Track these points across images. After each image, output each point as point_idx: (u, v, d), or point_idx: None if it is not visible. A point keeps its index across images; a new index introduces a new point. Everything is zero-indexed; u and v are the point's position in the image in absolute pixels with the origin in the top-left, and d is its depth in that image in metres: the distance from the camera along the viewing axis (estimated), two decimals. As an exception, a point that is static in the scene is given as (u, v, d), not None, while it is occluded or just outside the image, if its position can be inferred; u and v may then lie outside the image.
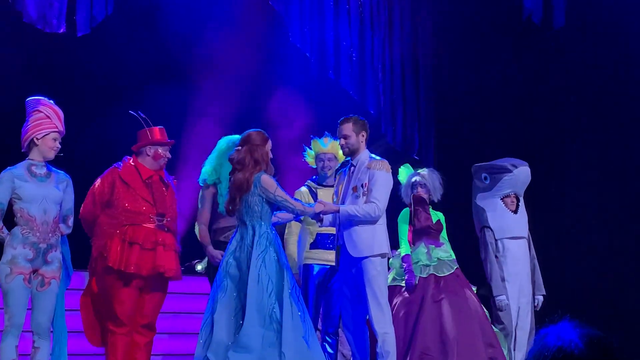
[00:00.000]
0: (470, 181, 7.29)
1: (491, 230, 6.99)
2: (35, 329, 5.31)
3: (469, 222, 7.29)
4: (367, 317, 5.76)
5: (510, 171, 7.03)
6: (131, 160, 6.04)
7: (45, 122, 5.36)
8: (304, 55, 10.06)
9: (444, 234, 6.94)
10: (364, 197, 5.71)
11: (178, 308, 8.24)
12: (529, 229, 7.13)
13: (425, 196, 6.90)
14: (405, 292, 6.59)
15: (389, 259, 6.11)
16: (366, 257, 5.67)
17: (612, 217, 9.77)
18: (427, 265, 6.66)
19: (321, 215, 5.68)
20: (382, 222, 5.79)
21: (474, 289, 6.84)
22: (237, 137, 5.79)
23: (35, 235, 5.24)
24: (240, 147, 5.40)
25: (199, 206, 6.31)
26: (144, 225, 5.84)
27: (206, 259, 6.54)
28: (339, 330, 6.52)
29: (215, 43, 9.65)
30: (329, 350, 6.41)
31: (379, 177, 5.73)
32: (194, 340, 5.42)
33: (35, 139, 5.33)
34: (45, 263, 5.28)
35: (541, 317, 6.87)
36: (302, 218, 6.18)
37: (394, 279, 6.72)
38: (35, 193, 5.27)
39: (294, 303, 5.10)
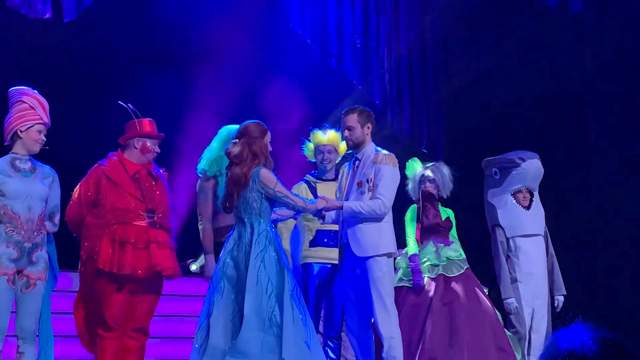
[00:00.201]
0: (483, 175, 7.31)
1: (502, 228, 7.00)
2: (20, 333, 5.31)
3: (480, 219, 7.29)
4: (372, 320, 5.76)
5: (518, 165, 7.03)
6: (116, 156, 6.05)
7: (30, 114, 5.35)
8: (304, 42, 10.05)
9: (453, 232, 6.94)
10: (370, 193, 5.71)
11: (172, 311, 8.24)
12: (547, 225, 7.14)
13: (434, 192, 6.89)
14: (413, 294, 6.59)
15: (395, 258, 6.10)
16: (371, 257, 5.66)
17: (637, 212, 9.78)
18: (436, 265, 6.66)
19: (323, 212, 5.67)
20: (389, 219, 5.78)
21: (486, 290, 6.83)
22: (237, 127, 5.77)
23: (19, 233, 5.23)
24: (237, 140, 5.37)
25: (199, 199, 6.25)
26: (135, 223, 5.85)
27: (202, 258, 6.53)
28: (342, 334, 6.53)
29: (210, 29, 9.65)
30: (332, 355, 6.40)
31: (385, 171, 5.72)
32: (189, 345, 5.42)
33: (19, 132, 5.31)
34: (30, 263, 5.28)
35: (556, 319, 6.89)
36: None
37: (400, 280, 6.71)
38: (19, 189, 5.26)
39: (295, 305, 5.08)
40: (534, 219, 7.06)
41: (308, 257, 6.48)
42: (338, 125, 6.50)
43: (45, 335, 5.53)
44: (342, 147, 6.61)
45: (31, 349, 5.34)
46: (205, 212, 6.20)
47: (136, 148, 6.02)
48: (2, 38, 8.50)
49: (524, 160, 7.06)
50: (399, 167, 5.91)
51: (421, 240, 6.84)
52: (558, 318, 6.86)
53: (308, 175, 6.71)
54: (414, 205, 6.94)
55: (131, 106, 6.01)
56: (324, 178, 6.64)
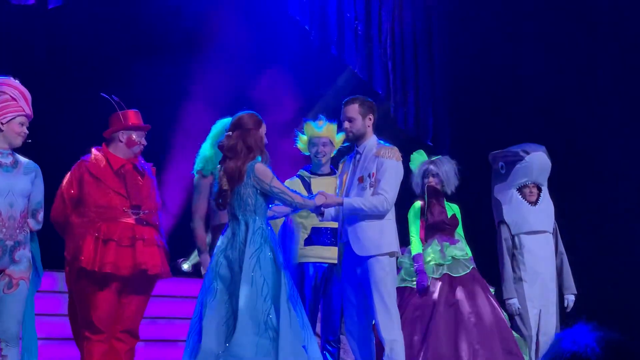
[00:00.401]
0: (491, 169, 7.34)
1: (506, 225, 7.03)
2: (2, 335, 5.30)
3: (488, 215, 7.32)
4: (373, 322, 5.78)
5: (522, 158, 7.06)
6: (101, 151, 6.05)
7: (11, 105, 5.35)
8: (302, 28, 10.06)
9: (459, 229, 6.96)
10: (371, 189, 5.71)
11: (162, 312, 8.27)
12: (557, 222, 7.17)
13: (438, 187, 6.92)
14: (416, 295, 6.61)
15: (398, 257, 6.12)
16: (373, 256, 5.67)
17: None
18: (441, 265, 6.68)
19: (322, 208, 5.66)
20: (391, 216, 5.78)
21: (492, 290, 6.86)
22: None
23: (0, 231, 5.24)
24: (230, 133, 5.37)
25: (195, 197, 6.26)
26: (120, 220, 5.87)
27: (193, 256, 6.56)
28: (341, 337, 6.55)
29: (202, 15, 9.66)
30: (330, 360, 6.45)
31: (388, 166, 5.73)
32: (180, 349, 5.45)
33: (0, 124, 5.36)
34: (12, 262, 5.28)
35: (565, 320, 6.92)
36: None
37: (403, 280, 6.73)
38: (1, 184, 5.26)
39: (292, 308, 5.08)
40: (541, 215, 7.08)
41: (303, 256, 6.48)
42: (334, 116, 6.51)
43: (29, 337, 5.53)
44: (338, 139, 6.61)
45: (14, 352, 5.33)
46: (198, 211, 6.21)
47: (121, 141, 6.03)
48: (-17, 25, 8.53)
49: (527, 153, 7.08)
50: (403, 161, 5.89)
51: (425, 238, 6.85)
52: (570, 319, 6.89)
53: (302, 170, 6.70)
54: (418, 202, 6.96)
55: (115, 97, 6.02)
56: (318, 173, 6.63)
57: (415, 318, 6.48)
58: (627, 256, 9.76)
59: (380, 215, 5.70)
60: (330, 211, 5.82)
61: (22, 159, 5.45)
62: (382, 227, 5.71)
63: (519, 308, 6.84)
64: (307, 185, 6.52)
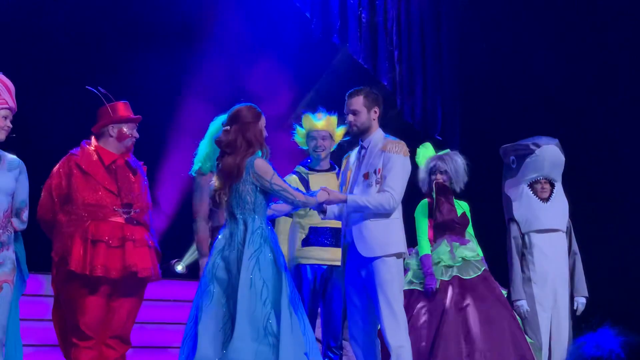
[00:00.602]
0: (502, 164, 7.33)
1: (516, 222, 7.04)
2: (-15, 341, 5.34)
3: (499, 214, 7.32)
4: (379, 328, 5.77)
5: (532, 151, 7.05)
6: (91, 144, 6.04)
7: (-7, 97, 5.38)
8: (303, 15, 10.06)
9: (469, 229, 6.95)
10: (377, 186, 5.70)
11: (155, 317, 8.29)
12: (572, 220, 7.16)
13: (446, 184, 6.90)
14: (424, 299, 6.61)
15: (405, 259, 6.11)
16: (379, 257, 5.66)
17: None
18: (450, 267, 6.68)
19: (325, 205, 5.65)
20: (398, 215, 5.77)
21: (505, 293, 6.85)
22: None
23: (-18, 231, 5.27)
24: (228, 127, 5.34)
25: (195, 197, 6.23)
26: (109, 219, 5.86)
27: (187, 257, 6.55)
28: (344, 343, 6.55)
29: (198, 3, 9.68)
30: (332, 367, 6.44)
31: (395, 161, 5.71)
32: (172, 356, 5.46)
33: (-19, 118, 5.34)
34: (-5, 264, 5.31)
35: (580, 323, 6.92)
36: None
37: (410, 283, 6.72)
38: (-17, 181, 5.29)
39: (293, 312, 5.06)
40: (554, 212, 7.08)
41: (300, 258, 6.48)
42: (335, 109, 6.50)
43: (13, 343, 5.53)
44: (338, 133, 6.60)
45: (-3, 358, 5.36)
46: (200, 211, 6.17)
47: (112, 136, 6.02)
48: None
49: (538, 145, 7.07)
50: (410, 156, 5.87)
51: (434, 238, 6.85)
52: (582, 323, 6.89)
53: (299, 166, 6.69)
54: (425, 200, 6.95)
55: (102, 90, 6.01)
56: (317, 168, 6.62)
57: (423, 323, 6.48)
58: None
59: (386, 214, 5.69)
60: (332, 209, 5.80)
61: (6, 154, 5.45)
62: (388, 226, 5.69)
63: (527, 310, 6.84)
64: (305, 182, 6.51)
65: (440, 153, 7.07)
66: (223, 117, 5.69)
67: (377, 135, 5.87)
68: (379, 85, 9.84)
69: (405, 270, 6.58)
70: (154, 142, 8.51)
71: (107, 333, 5.90)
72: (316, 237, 6.48)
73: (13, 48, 8.65)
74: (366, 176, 5.78)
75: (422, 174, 7.00)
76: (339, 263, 6.33)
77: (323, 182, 6.29)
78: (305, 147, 6.72)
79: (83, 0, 9.11)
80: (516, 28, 10.43)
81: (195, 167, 6.21)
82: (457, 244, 6.77)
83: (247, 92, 8.77)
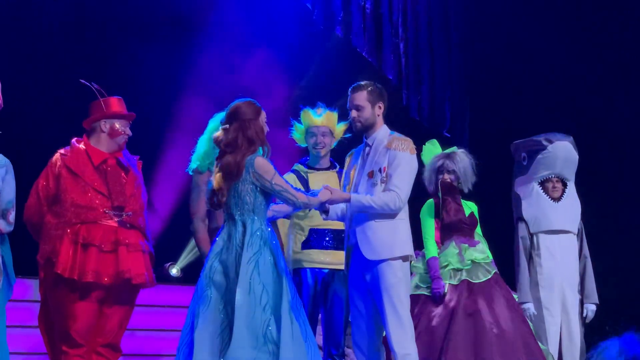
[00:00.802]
0: (511, 163, 7.34)
1: (524, 222, 7.05)
2: (-30, 349, 5.35)
3: (509, 215, 7.32)
4: (384, 334, 5.76)
5: (545, 147, 7.05)
6: (81, 143, 6.04)
7: (-22, 93, 5.39)
8: (304, 6, 10.07)
9: (478, 229, 6.94)
10: (382, 185, 5.69)
11: (149, 324, 8.30)
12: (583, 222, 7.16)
13: (454, 183, 6.91)
14: (432, 303, 6.59)
15: (411, 262, 6.11)
16: (384, 260, 5.65)
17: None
18: (459, 270, 6.67)
19: (327, 205, 5.65)
20: (404, 215, 5.76)
21: (516, 297, 6.86)
22: None
23: (-33, 234, 5.27)
24: (227, 125, 5.33)
25: (192, 197, 6.21)
26: (101, 222, 5.87)
27: (182, 260, 6.54)
28: (347, 350, 6.55)
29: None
30: (334, 376, 6.42)
31: (401, 159, 5.71)
32: (168, 364, 5.47)
33: (-34, 114, 5.36)
34: (-20, 268, 5.32)
35: (594, 328, 6.93)
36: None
37: (417, 287, 6.70)
38: (-33, 182, 5.30)
39: (294, 319, 5.06)
40: (565, 213, 7.08)
41: (299, 261, 6.47)
42: (337, 105, 6.50)
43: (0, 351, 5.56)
44: (339, 130, 6.60)
45: (-17, 367, 5.37)
46: (198, 212, 6.15)
47: (104, 132, 6.03)
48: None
49: (551, 142, 7.06)
50: (416, 154, 5.86)
51: (441, 240, 6.84)
52: (595, 333, 6.90)
53: (297, 164, 6.68)
54: (432, 200, 6.93)
55: (95, 84, 6.02)
56: (316, 167, 6.62)
57: (430, 329, 6.46)
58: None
59: (392, 215, 5.68)
60: (335, 209, 5.81)
61: (-9, 152, 5.46)
62: (394, 227, 5.69)
63: (534, 314, 6.85)
64: (304, 181, 6.50)
65: (448, 151, 7.06)
66: (222, 115, 5.68)
67: (382, 132, 5.87)
68: (384, 79, 9.85)
69: (412, 274, 6.57)
70: (149, 140, 8.51)
71: (98, 340, 5.90)
72: (316, 239, 6.47)
73: (0, 42, 8.67)
74: (371, 175, 5.77)
75: (429, 172, 6.99)
76: (340, 267, 6.33)
77: (323, 181, 6.29)
78: (303, 145, 6.71)
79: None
80: (529, 19, 10.43)
81: (193, 165, 6.19)
82: (466, 245, 6.76)
83: (244, 86, 8.78)
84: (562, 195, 7.14)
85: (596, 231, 7.38)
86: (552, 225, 7.03)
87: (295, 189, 5.38)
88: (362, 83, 5.94)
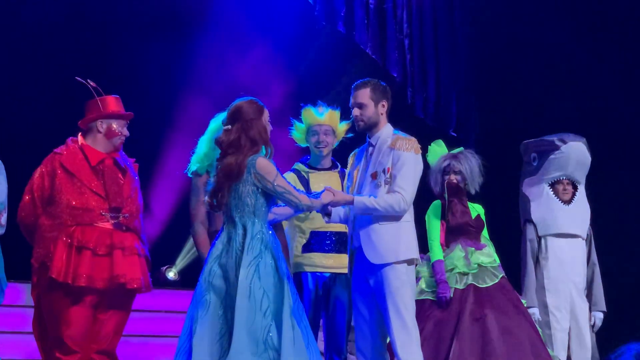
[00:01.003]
0: (520, 164, 7.34)
1: (533, 224, 7.05)
2: (-38, 355, 5.36)
3: (516, 218, 7.33)
4: (389, 340, 5.77)
5: (558, 147, 7.05)
6: (77, 142, 6.04)
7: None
8: (305, 2, 10.07)
9: (485, 232, 6.95)
10: (386, 186, 5.70)
11: (145, 330, 8.31)
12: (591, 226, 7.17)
13: (460, 185, 6.92)
14: (437, 309, 6.60)
15: (416, 265, 6.11)
16: (388, 264, 5.66)
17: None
18: (465, 274, 6.67)
19: (329, 207, 5.65)
20: (409, 218, 5.78)
21: (524, 302, 6.86)
22: None
23: (-43, 236, 5.29)
24: (229, 126, 5.34)
25: (192, 199, 6.21)
26: (96, 224, 5.88)
27: (179, 263, 6.54)
28: (350, 357, 6.56)
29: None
30: (337, 383, 6.42)
31: (405, 159, 5.72)
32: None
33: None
34: (-29, 272, 5.33)
35: (605, 334, 6.93)
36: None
37: (422, 292, 6.70)
38: (-42, 182, 5.31)
39: (296, 325, 5.05)
40: (575, 217, 7.08)
41: (300, 265, 6.47)
42: (339, 104, 6.52)
43: (-9, 357, 5.58)
44: (341, 129, 6.60)
45: (-27, 374, 5.38)
46: (198, 215, 6.15)
47: (100, 132, 6.04)
48: None
49: (564, 142, 7.06)
50: (422, 154, 5.87)
51: (447, 243, 6.85)
52: (606, 341, 6.90)
53: (298, 163, 6.69)
54: (438, 201, 6.95)
55: (91, 82, 6.03)
56: (318, 167, 6.62)
57: (436, 335, 6.46)
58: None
59: (396, 217, 5.69)
60: (338, 211, 5.82)
61: (-17, 152, 5.48)
62: (399, 230, 5.70)
63: (539, 320, 6.86)
64: (305, 181, 6.51)
65: (454, 151, 7.06)
66: (223, 115, 5.67)
67: (386, 131, 5.88)
68: (388, 77, 9.85)
69: (417, 279, 6.57)
70: (146, 140, 8.52)
71: (93, 347, 5.89)
72: (318, 242, 6.48)
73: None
74: (374, 176, 5.78)
75: (434, 173, 7.00)
76: (342, 270, 6.34)
77: (324, 181, 6.32)
78: (303, 144, 6.72)
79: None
80: (538, 14, 10.43)
81: (192, 167, 6.20)
82: (473, 249, 6.76)
83: (244, 84, 8.78)
84: (572, 198, 7.14)
85: (605, 236, 7.37)
86: (561, 229, 7.04)
87: (298, 191, 5.37)
88: (365, 80, 5.94)
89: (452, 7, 10.76)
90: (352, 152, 6.15)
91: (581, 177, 7.20)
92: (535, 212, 7.08)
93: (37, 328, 6.01)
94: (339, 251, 6.44)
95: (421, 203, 6.40)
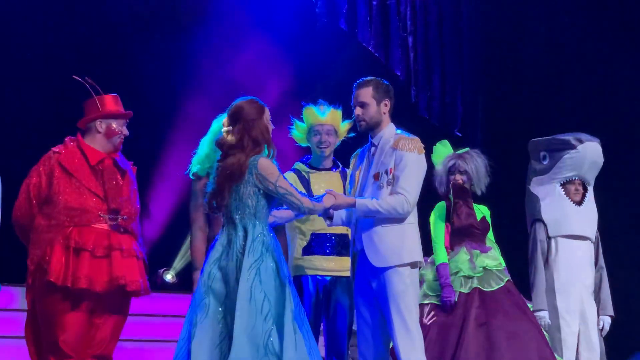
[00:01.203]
0: (527, 165, 7.34)
1: (543, 224, 7.04)
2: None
3: (522, 219, 7.33)
4: (392, 345, 5.78)
5: (574, 147, 7.03)
6: (76, 142, 6.04)
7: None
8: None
9: (490, 235, 6.96)
10: (389, 187, 5.71)
11: (143, 334, 8.32)
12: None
13: (466, 185, 6.94)
14: (441, 313, 6.61)
15: (420, 268, 6.10)
16: (392, 267, 5.67)
17: None
18: (470, 277, 6.68)
19: (331, 210, 5.66)
20: (413, 220, 5.78)
21: (530, 306, 6.84)
22: None
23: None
24: (230, 127, 5.35)
25: (192, 203, 6.23)
26: (94, 226, 5.89)
27: (176, 264, 6.55)
28: (351, 360, 6.59)
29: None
30: (338, 389, 6.42)
31: (408, 160, 5.72)
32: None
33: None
34: (-36, 275, 5.35)
35: (612, 339, 6.95)
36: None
37: (426, 296, 6.71)
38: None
39: (298, 329, 5.06)
40: (586, 218, 7.08)
41: (300, 267, 6.47)
42: (340, 103, 6.54)
43: (-17, 363, 5.59)
44: (342, 129, 6.62)
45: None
46: (197, 220, 6.17)
47: (99, 132, 6.04)
48: None
49: (581, 142, 7.04)
50: (426, 154, 5.87)
51: (451, 246, 6.86)
52: (613, 346, 6.90)
53: (299, 163, 6.69)
54: (442, 203, 6.96)
55: (89, 80, 6.05)
56: (319, 167, 6.63)
57: (440, 340, 6.47)
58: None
59: (400, 219, 5.70)
60: (340, 214, 5.82)
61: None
62: (402, 232, 5.71)
63: (548, 324, 6.87)
64: (306, 182, 6.52)
65: (460, 151, 7.07)
66: (224, 116, 5.66)
67: (389, 131, 5.89)
68: (391, 75, 9.86)
69: (421, 282, 6.58)
70: (144, 140, 8.53)
71: (88, 352, 5.89)
72: (318, 244, 6.48)
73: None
74: (376, 177, 5.79)
75: (439, 173, 7.00)
76: (343, 273, 6.36)
77: (325, 182, 6.35)
78: (304, 144, 6.72)
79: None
80: (547, 10, 10.43)
81: (193, 168, 6.21)
82: (478, 251, 6.77)
83: (244, 83, 8.79)
84: (582, 200, 7.16)
85: (609, 241, 7.38)
86: (573, 230, 7.03)
87: (301, 193, 5.38)
88: (367, 79, 5.95)
89: (457, 3, 10.76)
90: (354, 153, 6.16)
91: (592, 179, 7.20)
92: (546, 212, 7.07)
93: (30, 332, 5.99)
94: (340, 253, 6.45)
95: (425, 204, 6.42)
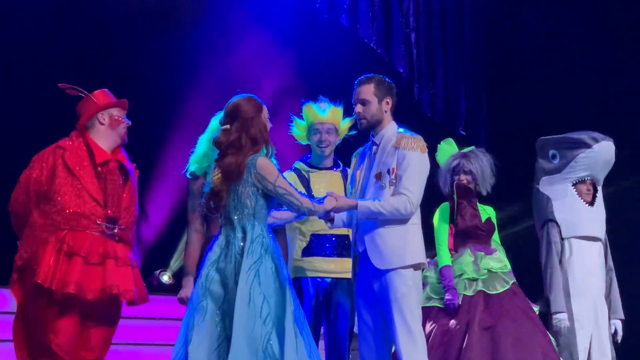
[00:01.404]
0: (534, 164, 7.34)
1: (556, 225, 7.04)
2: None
3: (529, 219, 7.33)
4: (394, 349, 5.79)
5: (589, 146, 7.02)
6: (82, 138, 5.99)
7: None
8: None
9: (495, 236, 6.96)
10: (392, 188, 5.72)
11: (138, 338, 8.32)
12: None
13: (470, 185, 6.95)
14: (445, 316, 6.62)
15: (423, 270, 6.11)
16: (394, 269, 5.67)
17: None
18: (475, 280, 6.68)
19: (332, 213, 5.65)
20: (416, 220, 5.79)
21: (536, 309, 6.87)
22: None
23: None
24: (228, 126, 5.35)
25: (189, 204, 6.20)
26: (90, 232, 5.84)
27: (173, 263, 6.53)
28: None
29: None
30: (339, 394, 6.42)
31: (411, 159, 5.73)
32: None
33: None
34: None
35: (622, 343, 6.95)
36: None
37: (429, 299, 6.72)
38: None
39: (298, 333, 5.06)
40: (598, 219, 7.10)
41: (300, 269, 6.47)
42: (341, 100, 6.54)
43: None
44: (343, 127, 6.62)
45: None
46: (193, 221, 6.16)
47: (103, 124, 6.02)
48: None
49: (597, 141, 7.03)
50: (429, 153, 5.87)
51: (455, 247, 6.86)
52: (621, 350, 6.91)
53: (298, 162, 6.69)
54: (446, 203, 6.97)
55: (77, 88, 6.04)
56: (319, 166, 6.63)
57: (443, 344, 6.48)
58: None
59: (402, 220, 5.71)
60: (341, 216, 5.82)
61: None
62: (405, 233, 5.71)
63: (567, 327, 6.87)
64: (306, 181, 6.52)
65: (464, 150, 7.08)
66: (222, 114, 5.65)
67: (391, 130, 5.89)
68: (393, 72, 9.87)
69: (423, 285, 6.58)
70: (143, 140, 8.53)
71: (82, 354, 5.88)
72: (319, 246, 6.48)
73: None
74: (378, 177, 5.79)
75: (444, 173, 7.00)
76: (344, 275, 6.36)
77: (325, 181, 6.36)
78: (303, 142, 6.73)
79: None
80: (553, 6, 10.44)
81: (191, 167, 6.21)
82: (482, 253, 6.77)
83: (243, 79, 8.80)
84: (593, 200, 7.16)
85: (616, 243, 7.39)
86: (586, 231, 7.02)
87: (301, 193, 5.38)
88: (369, 76, 5.95)
89: (461, -1, 10.80)
90: (355, 152, 6.16)
91: (602, 178, 7.21)
92: (559, 213, 7.05)
93: (19, 334, 5.95)
94: (340, 255, 6.45)
95: (429, 205, 6.43)
